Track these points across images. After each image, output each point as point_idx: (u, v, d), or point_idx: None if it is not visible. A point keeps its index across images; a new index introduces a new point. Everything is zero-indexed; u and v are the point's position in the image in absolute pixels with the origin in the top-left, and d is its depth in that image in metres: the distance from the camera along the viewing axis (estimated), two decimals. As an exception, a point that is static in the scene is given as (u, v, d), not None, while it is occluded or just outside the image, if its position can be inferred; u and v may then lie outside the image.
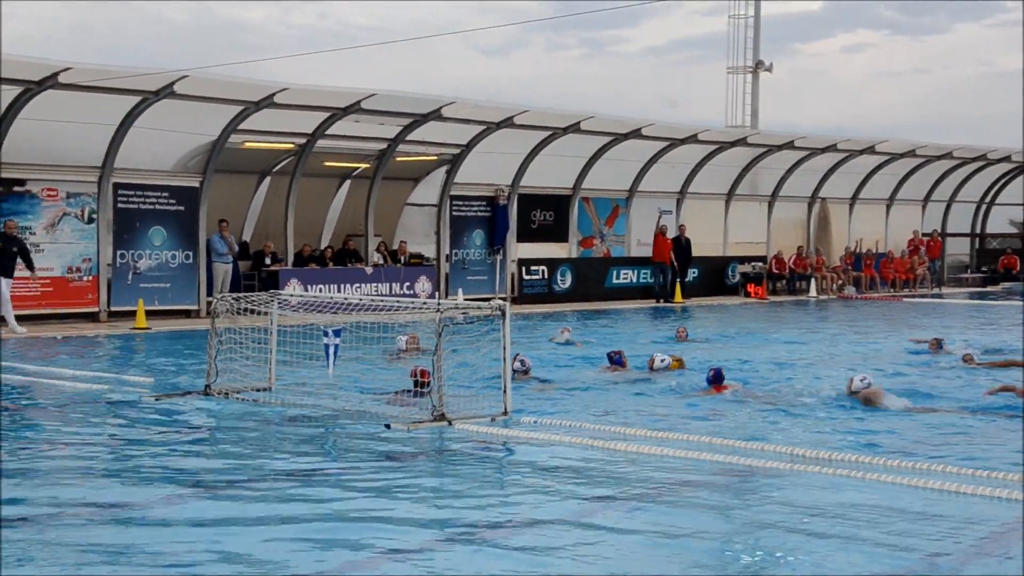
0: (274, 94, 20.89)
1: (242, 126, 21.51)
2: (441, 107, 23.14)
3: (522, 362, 12.68)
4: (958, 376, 14.09)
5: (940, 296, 31.93)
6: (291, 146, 23.25)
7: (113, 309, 20.52)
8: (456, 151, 25.14)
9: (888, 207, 35.43)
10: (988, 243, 38.79)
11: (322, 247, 24.86)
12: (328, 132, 22.81)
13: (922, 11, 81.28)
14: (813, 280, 31.10)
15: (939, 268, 35.62)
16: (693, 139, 28.22)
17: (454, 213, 25.72)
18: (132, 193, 20.88)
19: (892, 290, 32.85)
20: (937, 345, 16.44)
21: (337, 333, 11.45)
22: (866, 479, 8.35)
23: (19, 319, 19.13)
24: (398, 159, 24.69)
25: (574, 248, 28.02)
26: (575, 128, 25.80)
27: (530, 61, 79.70)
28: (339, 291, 22.28)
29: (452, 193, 25.59)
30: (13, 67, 18.06)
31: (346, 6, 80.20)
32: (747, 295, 29.77)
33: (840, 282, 32.11)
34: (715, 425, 10.69)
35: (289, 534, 6.92)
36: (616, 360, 14.15)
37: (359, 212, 25.25)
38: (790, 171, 31.63)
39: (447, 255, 25.63)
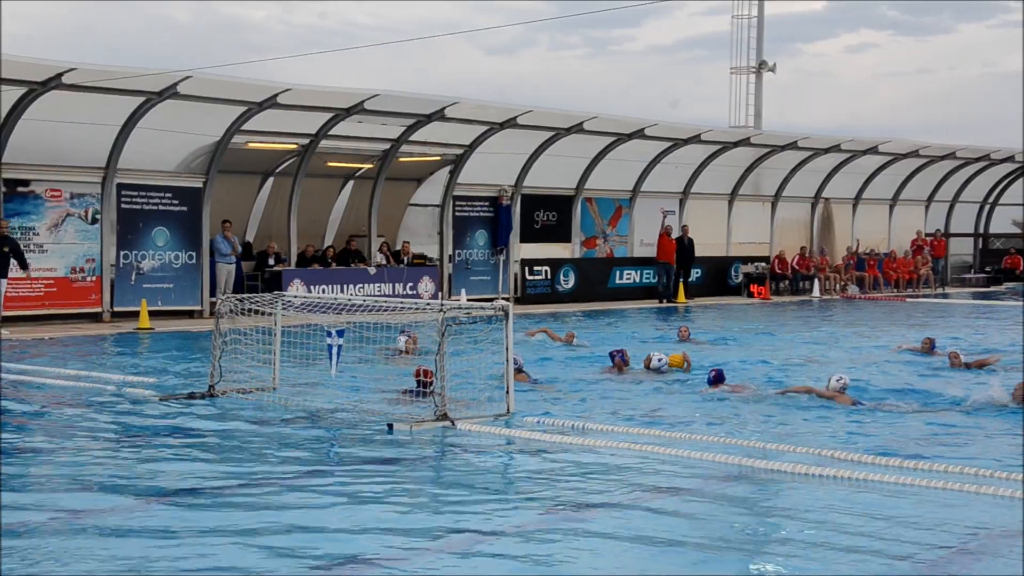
0: (277, 94, 20.90)
1: (245, 126, 21.52)
2: (444, 107, 23.15)
3: (515, 361, 12.67)
4: (944, 375, 14.11)
5: (944, 296, 31.90)
6: (294, 146, 23.26)
7: (116, 310, 20.53)
8: (459, 151, 25.14)
9: (891, 207, 35.40)
10: (991, 243, 38.76)
11: (325, 247, 24.87)
12: (331, 132, 22.82)
13: (926, 11, 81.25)
14: (816, 280, 31.09)
15: (943, 268, 35.58)
16: (696, 139, 28.21)
17: (457, 213, 25.73)
18: (136, 194, 20.90)
19: (895, 290, 32.83)
20: (930, 345, 16.44)
21: (340, 334, 11.47)
22: (864, 480, 8.36)
23: (22, 319, 19.17)
24: (401, 159, 24.70)
25: (577, 248, 28.02)
26: (578, 128, 25.80)
27: (534, 60, 79.73)
28: (342, 291, 22.29)
29: (455, 193, 25.59)
30: (17, 68, 18.08)
31: (349, 6, 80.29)
32: (750, 295, 29.76)
33: (843, 282, 32.09)
34: (717, 426, 10.70)
35: (291, 535, 6.93)
36: (621, 360, 14.12)
37: (362, 213, 25.26)
38: (793, 171, 31.62)
39: (450, 255, 25.63)
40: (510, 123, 24.63)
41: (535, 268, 26.88)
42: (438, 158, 25.37)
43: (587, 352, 16.22)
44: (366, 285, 23.46)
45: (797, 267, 31.42)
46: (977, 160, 35.17)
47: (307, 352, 12.33)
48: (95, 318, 20.30)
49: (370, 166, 24.90)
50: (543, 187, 27.07)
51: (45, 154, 19.82)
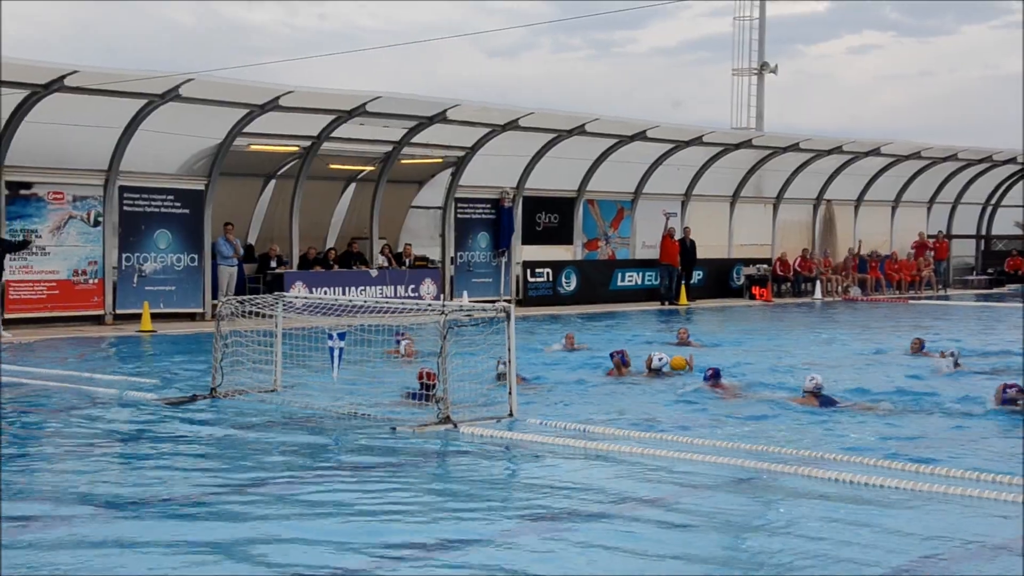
0: (279, 97, 20.92)
1: (247, 129, 21.54)
2: (446, 109, 23.16)
3: (506, 364, 12.67)
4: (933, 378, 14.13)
5: (946, 298, 31.89)
6: (296, 149, 23.27)
7: (118, 312, 20.55)
8: (461, 153, 25.16)
9: (893, 209, 35.39)
10: (994, 245, 38.72)
11: (327, 250, 24.88)
12: (333, 135, 22.83)
13: (928, 13, 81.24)
14: (818, 282, 31.08)
15: (945, 270, 35.56)
16: (698, 141, 28.21)
17: (459, 215, 25.74)
18: (138, 196, 20.92)
19: (897, 292, 32.81)
20: (919, 346, 16.45)
21: (342, 336, 11.48)
22: (863, 481, 8.37)
23: (25, 322, 19.20)
24: (403, 162, 24.71)
25: (579, 250, 28.02)
26: (580, 130, 25.81)
27: (536, 62, 79.75)
28: (344, 294, 22.29)
29: (457, 195, 25.60)
30: (19, 70, 18.10)
31: (351, 8, 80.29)
32: (752, 297, 29.75)
33: (845, 284, 32.08)
34: (717, 428, 10.70)
35: (293, 537, 6.94)
36: (622, 361, 14.12)
37: (364, 215, 25.27)
38: (795, 173, 31.62)
39: (452, 257, 25.64)
40: (512, 125, 24.64)
41: (537, 270, 26.88)
42: (440, 160, 25.38)
43: (587, 354, 16.22)
44: (368, 287, 23.48)
45: (799, 269, 31.42)
46: (979, 162, 35.15)
47: (309, 354, 12.34)
48: (97, 320, 20.32)
49: (372, 168, 24.91)
50: (545, 189, 27.08)
51: (47, 157, 19.85)
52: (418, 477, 8.74)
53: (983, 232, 38.57)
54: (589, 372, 14.44)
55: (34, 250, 19.59)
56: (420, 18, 77.28)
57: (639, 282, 28.73)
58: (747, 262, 30.95)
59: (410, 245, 25.47)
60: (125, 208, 20.74)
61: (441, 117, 23.31)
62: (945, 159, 34.02)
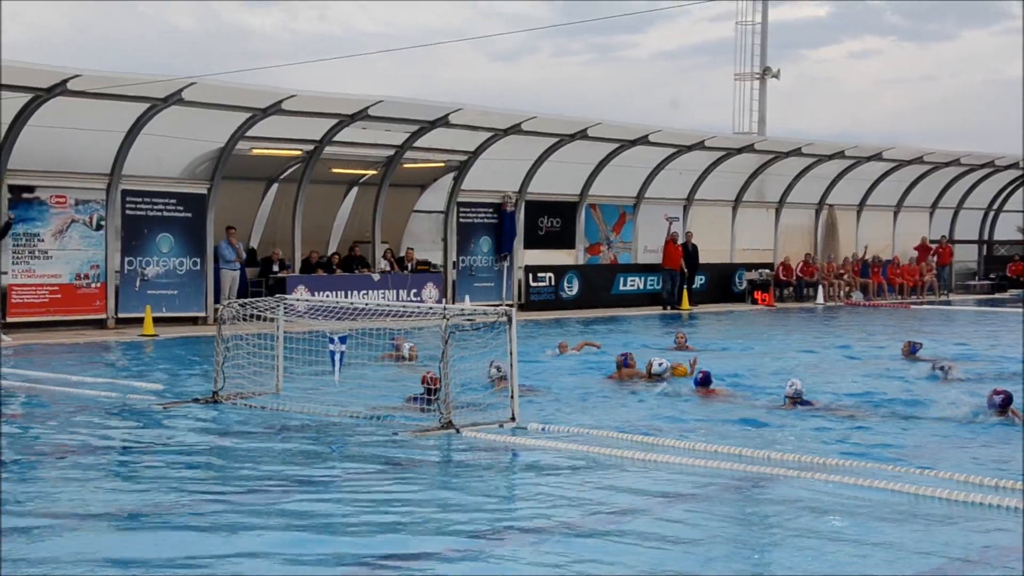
0: (281, 101, 20.94)
1: (250, 133, 21.56)
2: (448, 114, 23.17)
3: (498, 368, 12.70)
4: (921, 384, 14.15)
5: (948, 303, 31.87)
6: (298, 153, 23.29)
7: (121, 316, 20.55)
8: (463, 158, 25.17)
9: (896, 214, 35.38)
10: (996, 250, 38.70)
11: (329, 254, 24.90)
12: (335, 139, 22.85)
13: (929, 18, 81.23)
14: (821, 287, 31.07)
15: (947, 275, 35.55)
16: (700, 146, 28.21)
17: (461, 220, 25.75)
18: (140, 200, 20.93)
19: (900, 297, 32.80)
20: (909, 349, 16.45)
21: (343, 340, 11.48)
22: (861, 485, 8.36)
23: (27, 326, 19.22)
24: (405, 166, 24.73)
25: (581, 255, 28.02)
26: (582, 135, 25.82)
27: (538, 66, 79.77)
28: (346, 297, 22.28)
29: (459, 200, 25.61)
30: (22, 74, 18.12)
31: (353, 13, 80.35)
32: (754, 302, 29.74)
33: (847, 289, 32.07)
34: (717, 432, 10.70)
35: (294, 542, 6.93)
36: (624, 363, 14.14)
37: (366, 219, 25.28)
38: (797, 178, 31.61)
39: (454, 262, 25.65)
40: (514, 129, 24.65)
41: (539, 274, 26.88)
42: (442, 164, 25.39)
43: (587, 359, 16.23)
44: (370, 291, 23.49)
45: (801, 274, 31.42)
46: (981, 167, 35.14)
47: (311, 357, 12.34)
48: (99, 324, 20.33)
49: (374, 172, 24.92)
50: (547, 193, 27.08)
51: (50, 160, 19.87)
52: (419, 482, 8.73)
53: (985, 237, 38.54)
54: (590, 376, 14.43)
55: (36, 254, 19.60)
56: (421, 22, 77.37)
57: (641, 286, 28.73)
58: (749, 267, 30.95)
59: (412, 249, 25.49)
60: (127, 212, 20.75)
61: (443, 121, 23.33)
62: (947, 164, 34.02)
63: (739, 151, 29.40)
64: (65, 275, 20.02)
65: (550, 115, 25.21)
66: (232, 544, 6.84)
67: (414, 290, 24.35)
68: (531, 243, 26.96)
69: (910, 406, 12.27)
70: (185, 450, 9.72)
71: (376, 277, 23.92)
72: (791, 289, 31.23)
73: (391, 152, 24.10)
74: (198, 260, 21.62)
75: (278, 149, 23.08)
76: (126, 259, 20.72)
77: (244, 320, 12.29)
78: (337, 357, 11.45)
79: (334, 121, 22.36)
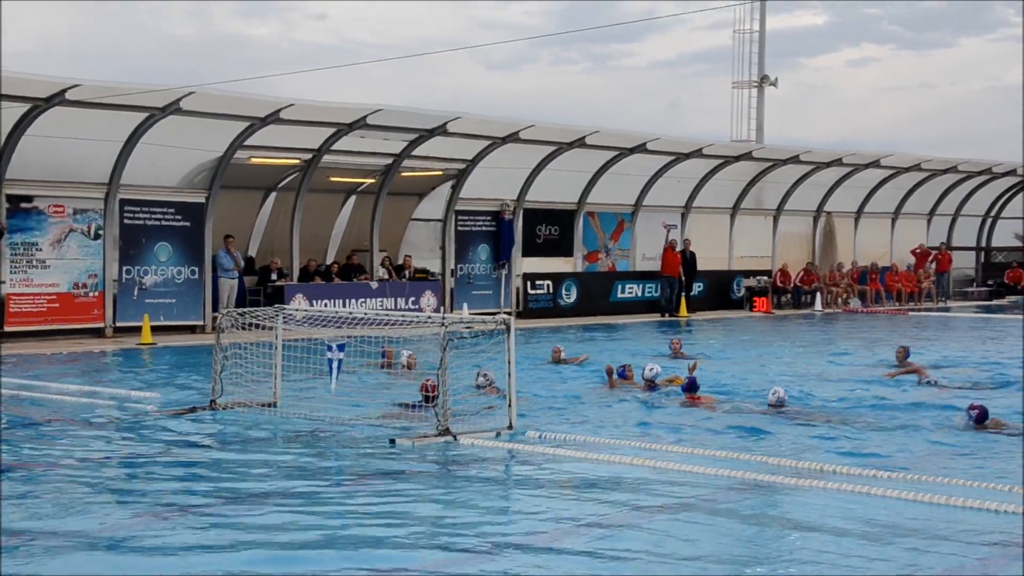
0: (280, 110, 20.97)
1: (248, 142, 21.58)
2: (446, 122, 23.20)
3: (485, 376, 12.69)
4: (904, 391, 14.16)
5: (946, 310, 31.89)
6: (297, 162, 23.31)
7: (119, 325, 20.55)
8: (461, 166, 25.19)
9: (893, 221, 35.41)
10: (993, 257, 38.74)
11: (327, 262, 24.91)
12: (334, 148, 22.87)
13: (927, 26, 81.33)
14: (819, 294, 31.09)
15: (946, 282, 35.57)
16: (698, 153, 28.24)
17: (459, 228, 25.77)
18: (138, 209, 20.94)
19: (898, 304, 32.81)
20: (904, 354, 16.46)
21: (341, 348, 11.49)
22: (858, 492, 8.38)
23: (25, 335, 19.21)
24: (403, 174, 24.74)
25: (579, 262, 28.03)
26: (580, 143, 25.85)
27: (535, 75, 79.79)
28: (344, 306, 22.29)
29: (457, 208, 25.63)
30: (20, 84, 18.14)
31: (351, 22, 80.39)
32: (752, 309, 29.75)
33: (845, 296, 32.08)
34: (716, 439, 10.71)
35: (293, 550, 6.93)
36: (620, 373, 14.19)
37: (364, 227, 25.29)
38: (795, 185, 31.65)
39: (452, 270, 25.66)
40: (512, 138, 24.68)
41: (537, 282, 26.90)
42: (440, 173, 25.41)
43: (585, 366, 16.24)
44: (368, 299, 23.49)
45: (800, 284, 31.44)
46: (979, 174, 35.19)
47: (309, 366, 12.35)
48: (98, 333, 20.32)
49: (372, 181, 24.94)
50: (545, 201, 27.11)
51: (48, 170, 19.88)
52: (417, 489, 8.73)
53: (983, 244, 38.58)
54: (585, 384, 14.44)
55: (35, 263, 19.61)
56: (419, 32, 77.46)
57: (639, 294, 28.74)
58: (747, 274, 30.97)
59: (410, 257, 25.50)
60: (126, 221, 20.76)
61: (441, 130, 23.35)
62: (945, 171, 34.06)
63: (737, 159, 29.43)
64: (63, 284, 20.02)
65: (548, 123, 25.24)
66: (230, 552, 6.84)
67: (412, 298, 24.35)
68: (529, 251, 26.97)
69: (893, 413, 12.33)
70: (182, 459, 9.72)
71: (374, 285, 23.93)
72: (789, 296, 31.25)
73: (389, 161, 24.12)
74: (196, 269, 21.62)
75: (276, 158, 23.10)
76: (124, 268, 20.72)
77: (242, 329, 12.29)
78: (335, 365, 11.46)
79: (332, 130, 22.39)
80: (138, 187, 20.88)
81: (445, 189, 25.70)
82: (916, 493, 8.29)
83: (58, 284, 19.94)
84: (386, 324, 12.56)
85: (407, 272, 25.07)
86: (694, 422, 11.70)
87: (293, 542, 7.06)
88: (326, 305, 21.76)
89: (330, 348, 11.51)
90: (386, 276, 24.50)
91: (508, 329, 10.81)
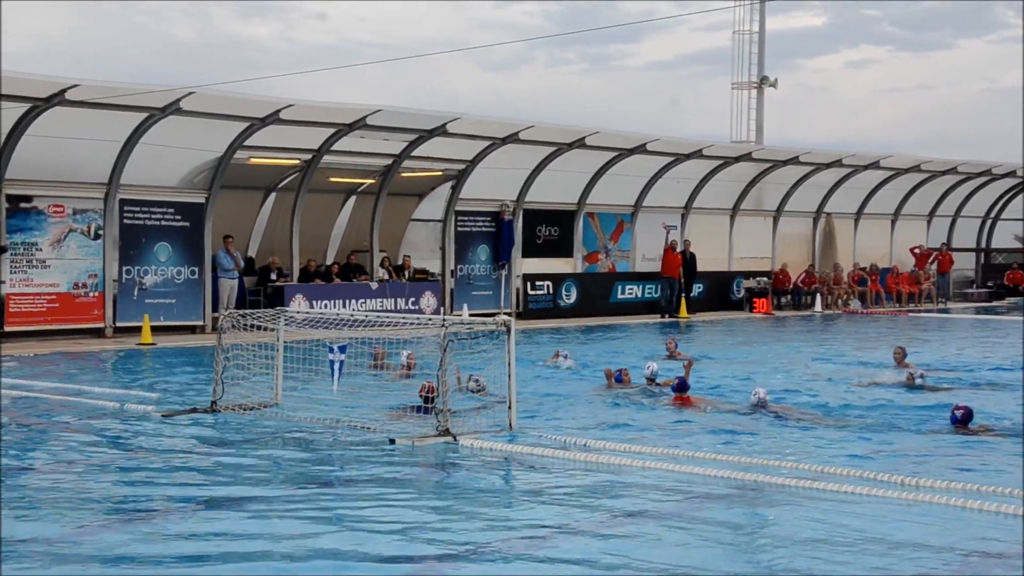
0: (280, 110, 20.96)
1: (248, 142, 21.58)
2: (446, 123, 23.20)
3: (476, 381, 12.69)
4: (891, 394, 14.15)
5: (946, 311, 31.90)
6: (296, 162, 23.31)
7: (119, 325, 20.55)
8: (461, 167, 25.20)
9: (893, 222, 35.43)
10: (993, 258, 38.75)
11: (327, 263, 24.90)
12: (333, 148, 22.87)
13: (925, 27, 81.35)
14: (818, 295, 31.10)
15: (945, 283, 35.58)
16: (698, 154, 28.25)
17: (459, 228, 25.77)
18: (138, 209, 20.94)
19: (897, 305, 32.82)
20: (903, 355, 16.46)
21: (342, 349, 11.49)
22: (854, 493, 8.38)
23: (25, 335, 19.21)
24: (403, 175, 24.74)
25: (579, 263, 28.04)
26: (580, 143, 25.86)
27: (533, 76, 79.82)
28: (344, 306, 22.29)
29: (457, 208, 25.63)
30: (20, 84, 18.14)
31: (351, 22, 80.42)
32: (752, 310, 29.75)
33: (845, 297, 32.09)
34: (710, 440, 10.71)
35: (292, 550, 6.93)
36: (617, 378, 14.26)
37: (364, 228, 25.29)
38: (795, 186, 31.66)
39: (452, 270, 25.66)
40: (512, 138, 24.68)
41: (537, 283, 26.90)
42: (440, 173, 25.42)
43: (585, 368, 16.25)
44: (368, 300, 23.49)
45: (801, 284, 31.43)
46: (978, 175, 35.21)
47: (310, 367, 12.34)
48: (97, 333, 20.32)
49: (372, 181, 24.95)
50: (545, 202, 27.12)
51: (48, 170, 19.88)
52: (417, 490, 8.73)
53: (983, 245, 38.59)
54: (585, 385, 14.45)
55: (34, 263, 19.61)
56: (418, 32, 77.47)
57: (639, 295, 28.74)
58: (747, 275, 30.97)
59: (409, 257, 25.50)
60: (125, 221, 20.76)
61: (441, 130, 23.36)
62: (945, 172, 34.07)
63: (737, 160, 29.44)
64: (63, 284, 20.01)
65: (548, 124, 25.25)
66: (228, 554, 6.84)
67: (412, 299, 24.35)
68: (529, 251, 26.98)
69: (878, 413, 12.36)
70: (183, 460, 9.71)
71: (374, 286, 23.93)
72: (789, 297, 31.25)
73: (389, 161, 24.12)
74: (196, 269, 21.62)
75: (276, 158, 23.10)
76: (124, 268, 20.72)
77: (243, 330, 12.28)
78: (336, 366, 11.45)
79: (332, 130, 22.39)
80: (138, 187, 20.87)
81: (445, 190, 25.70)
82: (898, 492, 8.32)
83: (58, 284, 19.94)
84: (386, 325, 12.56)
85: (407, 273, 25.07)
86: (691, 423, 11.70)
87: (293, 544, 7.05)
88: (326, 306, 21.78)
89: (331, 350, 11.51)
90: (386, 277, 24.50)
91: (508, 330, 10.81)
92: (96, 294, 20.41)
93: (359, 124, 22.24)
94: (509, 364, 10.76)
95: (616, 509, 8.11)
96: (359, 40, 75.40)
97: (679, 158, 28.07)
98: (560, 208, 27.55)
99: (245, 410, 11.84)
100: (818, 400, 13.47)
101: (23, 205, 19.58)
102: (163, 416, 11.71)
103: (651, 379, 13.87)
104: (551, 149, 25.83)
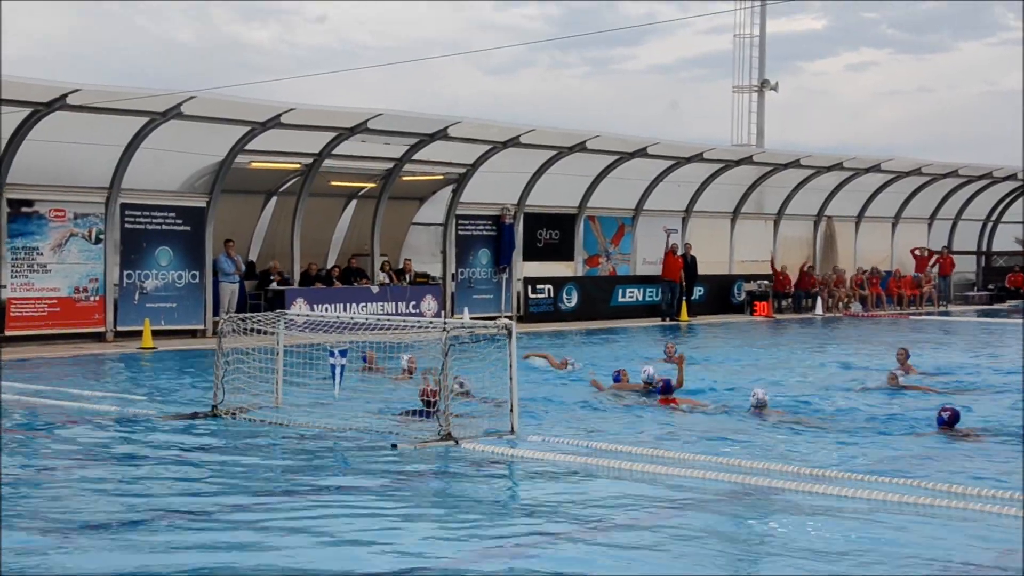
0: (280, 114, 20.97)
1: (249, 146, 21.58)
2: (447, 127, 23.21)
3: (461, 384, 12.69)
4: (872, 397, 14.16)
5: (947, 314, 31.89)
6: (297, 166, 23.31)
7: (119, 329, 20.55)
8: (462, 170, 25.20)
9: (894, 225, 35.42)
10: (994, 261, 38.75)
11: (328, 267, 24.90)
12: (334, 152, 22.87)
13: (925, 30, 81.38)
14: (819, 298, 31.09)
15: (947, 286, 35.56)
16: (699, 158, 28.25)
17: (460, 232, 25.77)
18: (139, 213, 20.95)
19: (899, 308, 32.81)
20: (905, 356, 16.47)
21: (343, 353, 11.48)
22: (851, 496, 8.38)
23: (25, 339, 19.21)
24: (404, 178, 24.75)
25: (580, 267, 28.04)
26: (581, 147, 25.86)
27: (534, 79, 79.87)
28: (345, 310, 22.31)
29: (458, 212, 25.64)
30: (22, 89, 18.15)
31: (351, 24, 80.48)
32: (753, 313, 29.75)
33: (846, 300, 32.08)
34: (715, 444, 10.71)
35: (294, 554, 6.93)
36: (615, 378, 14.30)
37: (365, 231, 25.29)
38: (796, 189, 31.66)
39: (453, 274, 25.66)
40: (513, 142, 24.69)
41: (538, 286, 26.90)
42: (441, 177, 25.42)
43: (585, 372, 16.24)
44: (369, 304, 23.49)
45: (800, 286, 31.38)
46: (979, 178, 35.20)
47: (311, 371, 12.34)
48: (98, 337, 20.32)
49: (373, 185, 24.95)
50: (546, 206, 27.12)
51: (49, 174, 19.88)
52: (419, 493, 8.72)
53: (984, 248, 38.59)
54: (586, 389, 14.44)
55: (35, 267, 19.61)
56: (418, 36, 77.51)
57: (640, 298, 28.74)
58: (748, 278, 30.96)
59: (410, 261, 25.50)
60: (126, 225, 20.76)
61: (442, 134, 23.36)
62: (945, 175, 34.07)
63: (737, 163, 29.44)
64: (64, 288, 20.01)
65: (549, 128, 25.25)
66: (230, 556, 6.83)
67: (413, 302, 24.35)
68: (530, 255, 26.98)
69: (873, 416, 12.39)
70: (184, 465, 9.71)
71: (375, 290, 23.93)
72: (790, 300, 31.24)
73: (390, 165, 24.13)
74: (197, 273, 21.62)
75: (277, 162, 23.10)
76: (125, 272, 20.72)
77: (244, 333, 12.28)
78: (338, 371, 11.46)
79: (333, 134, 22.40)
80: (139, 191, 20.88)
81: (446, 193, 25.71)
82: (885, 493, 8.34)
83: (59, 288, 19.94)
84: (387, 329, 12.56)
85: (408, 276, 25.07)
86: (688, 426, 11.72)
87: (294, 547, 7.05)
88: (326, 309, 21.79)
89: (332, 354, 11.50)
90: (387, 281, 24.48)
91: (510, 334, 10.80)
92: (97, 298, 20.40)
93: (360, 128, 22.24)
94: (511, 367, 10.76)
95: (617, 513, 8.11)
96: (359, 43, 75.49)
97: (680, 161, 28.07)
98: (561, 212, 27.55)
99: (246, 414, 11.83)
100: (809, 401, 13.47)
101: (24, 209, 19.58)
102: (164, 421, 11.71)
103: (648, 383, 13.89)
104: (552, 153, 25.84)
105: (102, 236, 20.43)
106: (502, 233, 26.14)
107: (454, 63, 79.25)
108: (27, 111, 18.72)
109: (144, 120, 19.93)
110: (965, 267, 38.03)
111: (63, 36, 68.40)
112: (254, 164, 22.50)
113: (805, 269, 31.61)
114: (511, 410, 10.85)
